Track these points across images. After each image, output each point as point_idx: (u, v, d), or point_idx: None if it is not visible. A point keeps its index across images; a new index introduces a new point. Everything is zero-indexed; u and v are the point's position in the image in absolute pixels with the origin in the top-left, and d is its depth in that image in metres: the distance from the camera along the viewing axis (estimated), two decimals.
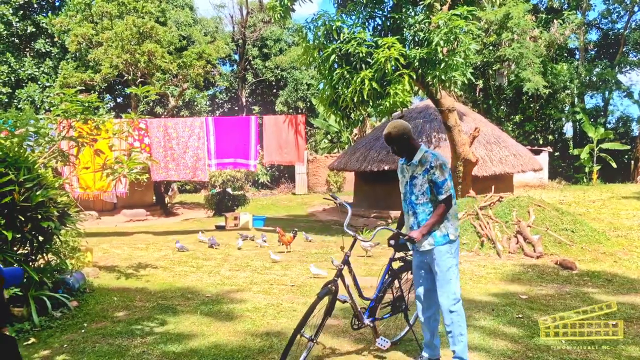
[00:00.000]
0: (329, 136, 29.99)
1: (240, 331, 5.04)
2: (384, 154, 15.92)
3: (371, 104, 11.27)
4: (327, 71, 11.14)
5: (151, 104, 26.33)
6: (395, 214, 15.14)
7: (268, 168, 29.29)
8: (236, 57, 33.12)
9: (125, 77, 18.66)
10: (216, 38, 26.84)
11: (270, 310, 5.79)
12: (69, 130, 6.81)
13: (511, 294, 6.37)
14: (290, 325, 4.96)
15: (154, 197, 20.08)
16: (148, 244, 10.74)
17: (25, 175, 5.01)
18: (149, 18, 18.79)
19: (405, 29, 11.17)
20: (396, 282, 4.48)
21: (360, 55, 10.52)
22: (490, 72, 26.93)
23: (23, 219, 4.91)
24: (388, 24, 11.32)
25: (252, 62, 31.65)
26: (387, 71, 10.25)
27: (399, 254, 4.52)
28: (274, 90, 32.35)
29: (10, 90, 22.31)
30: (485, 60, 25.86)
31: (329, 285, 3.99)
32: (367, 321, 4.26)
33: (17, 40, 23.86)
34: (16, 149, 5.34)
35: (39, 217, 5.07)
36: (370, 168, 16.02)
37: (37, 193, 5.01)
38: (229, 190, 17.17)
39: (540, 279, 7.11)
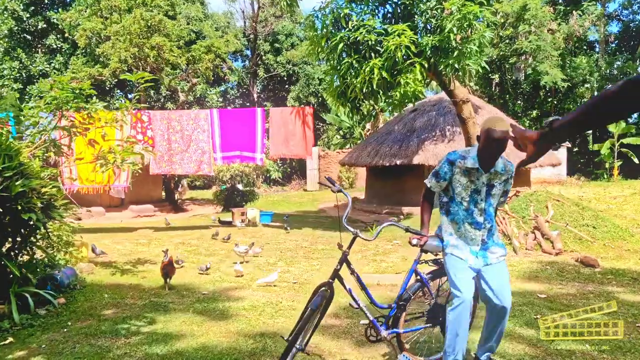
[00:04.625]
0: (341, 132, 29.57)
1: (232, 331, 4.67)
2: (396, 149, 15.47)
3: (381, 94, 10.84)
4: (335, 61, 10.74)
5: (162, 100, 26.19)
6: (407, 209, 14.69)
7: (280, 164, 28.98)
8: (247, 52, 32.85)
9: (134, 72, 18.43)
10: (227, 33, 26.54)
11: (268, 309, 5.41)
12: (61, 119, 6.49)
13: (529, 292, 5.92)
14: (288, 325, 4.57)
15: (163, 193, 19.86)
16: (151, 239, 10.44)
17: (5, 164, 4.68)
18: (157, 12, 18.53)
19: (416, 16, 10.71)
20: (428, 288, 3.80)
21: (370, 43, 10.10)
22: (506, 65, 26.27)
23: (1, 210, 4.59)
24: (399, 10, 10.87)
25: (263, 57, 31.33)
26: (397, 60, 9.81)
27: (425, 256, 3.81)
28: (286, 86, 31.99)
29: (22, 87, 22.27)
30: (501, 53, 25.22)
31: (323, 290, 3.53)
32: (384, 333, 3.61)
33: (28, 37, 23.84)
34: None
35: (19, 208, 4.74)
36: (382, 163, 15.58)
37: (17, 183, 4.68)
38: (239, 186, 16.83)
39: (560, 277, 6.64)
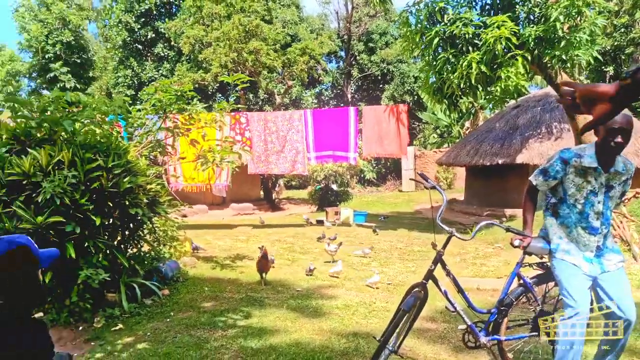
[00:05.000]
0: (438, 131, 28.79)
1: (325, 329, 4.64)
2: (498, 147, 14.73)
3: (480, 89, 10.36)
4: (430, 56, 10.42)
5: (260, 103, 27.06)
6: (510, 211, 13.94)
7: (374, 164, 28.80)
8: (342, 53, 33.01)
9: (239, 87, 19.19)
10: (321, 35, 26.86)
11: (361, 309, 5.33)
12: (165, 120, 6.86)
13: None
14: (381, 326, 4.46)
15: (262, 192, 20.49)
16: (249, 236, 10.76)
17: (114, 162, 5.01)
18: (255, 17, 19.17)
19: (518, 6, 10.10)
20: (533, 294, 3.50)
21: (467, 36, 9.68)
22: (622, 57, 24.13)
23: (111, 205, 4.91)
24: (498, 1, 10.32)
25: (357, 57, 31.33)
26: (497, 53, 9.31)
27: (529, 258, 3.53)
28: (380, 85, 31.75)
29: (134, 93, 24.06)
30: (616, 43, 23.20)
31: (416, 290, 3.38)
32: (484, 340, 3.39)
33: (139, 46, 25.70)
34: (106, 136, 5.40)
35: (127, 203, 5.06)
36: (483, 162, 14.90)
37: (125, 179, 4.99)
38: (333, 186, 16.94)
39: None
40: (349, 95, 31.19)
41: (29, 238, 2.07)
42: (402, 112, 11.01)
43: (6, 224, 4.35)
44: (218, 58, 18.09)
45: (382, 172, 29.94)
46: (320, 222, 12.90)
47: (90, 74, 29.40)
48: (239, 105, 8.53)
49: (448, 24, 9.91)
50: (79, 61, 27.70)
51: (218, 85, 23.09)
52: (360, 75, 31.72)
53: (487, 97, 10.46)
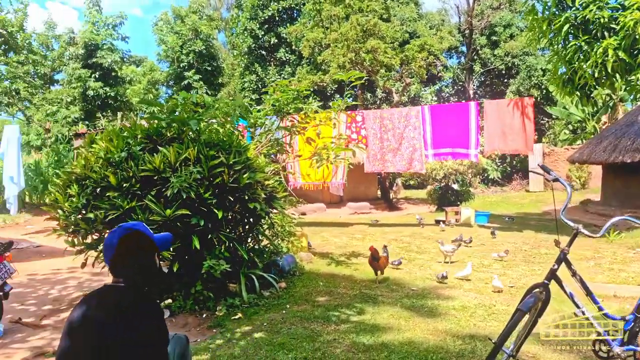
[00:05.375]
0: (569, 126, 26.62)
1: (440, 330, 4.47)
2: None
3: (618, 79, 9.38)
4: (559, 45, 9.66)
5: (378, 102, 27.04)
6: None
7: (498, 163, 27.39)
8: (463, 48, 31.86)
9: (353, 83, 19.38)
10: (441, 30, 26.13)
11: (479, 311, 5.06)
12: (283, 119, 7.08)
13: None
14: (500, 330, 4.18)
15: (379, 192, 20.43)
16: (365, 234, 10.76)
17: (235, 159, 5.26)
18: (372, 16, 19.16)
19: None
20: None
21: (602, 21, 8.82)
22: None
23: (232, 199, 5.16)
24: None
25: (479, 51, 30.03)
26: (638, 37, 8.38)
27: None
28: (504, 80, 30.14)
29: (258, 97, 25.27)
30: None
31: (537, 291, 3.10)
32: (618, 350, 3.05)
33: (263, 52, 26.94)
34: (228, 135, 5.69)
35: (246, 197, 5.28)
36: (622, 159, 13.48)
37: (245, 175, 5.21)
38: (454, 186, 16.36)
39: None
40: (471, 92, 29.99)
41: (145, 225, 2.23)
42: (528, 106, 10.31)
43: (139, 216, 4.75)
44: (336, 59, 18.36)
45: (507, 171, 28.39)
46: (438, 222, 12.54)
47: (220, 81, 31.42)
48: (354, 102, 8.53)
49: (580, 9, 9.12)
50: (209, 69, 29.70)
51: (336, 86, 23.44)
52: (482, 70, 30.39)
53: (627, 87, 9.45)
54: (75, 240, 5.28)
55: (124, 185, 4.96)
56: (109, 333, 1.94)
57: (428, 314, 5.00)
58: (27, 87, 26.88)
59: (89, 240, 5.23)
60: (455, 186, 16.08)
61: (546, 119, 28.41)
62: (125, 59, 29.66)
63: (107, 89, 25.32)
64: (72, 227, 5.21)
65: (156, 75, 32.26)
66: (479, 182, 26.74)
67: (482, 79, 31.87)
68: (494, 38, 29.57)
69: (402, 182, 22.63)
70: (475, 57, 30.50)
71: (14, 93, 26.33)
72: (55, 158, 17.75)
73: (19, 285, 6.44)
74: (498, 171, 27.47)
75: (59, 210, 5.29)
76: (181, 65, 29.11)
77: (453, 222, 12.30)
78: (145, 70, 32.71)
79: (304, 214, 14.05)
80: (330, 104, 7.38)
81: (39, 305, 5.69)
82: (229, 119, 5.82)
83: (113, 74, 25.86)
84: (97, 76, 25.15)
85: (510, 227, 11.98)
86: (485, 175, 27.42)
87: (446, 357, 3.80)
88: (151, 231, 2.24)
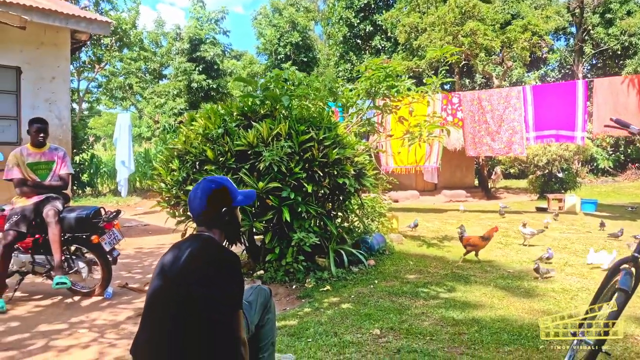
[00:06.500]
0: None
1: (537, 309, 4.23)
2: None
3: None
4: None
5: (476, 88, 26.00)
6: None
7: (610, 151, 25.31)
8: (572, 29, 29.69)
9: (447, 60, 18.79)
10: (547, 10, 24.52)
11: (582, 294, 4.73)
12: (375, 98, 7.02)
13: None
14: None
15: (476, 180, 19.72)
16: (460, 219, 10.43)
17: (325, 134, 5.32)
18: None
19: None
20: None
21: None
22: None
23: (321, 174, 5.21)
24: None
25: (591, 31, 27.81)
26: None
27: None
28: (619, 61, 27.70)
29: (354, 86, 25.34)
30: None
31: (625, 267, 2.70)
32: None
33: (358, 41, 26.90)
34: (318, 112, 5.75)
35: (335, 173, 5.32)
36: None
37: (334, 151, 5.25)
38: (559, 174, 15.35)
39: None
40: (580, 75, 27.90)
41: (227, 178, 2.33)
42: None
43: None
44: (433, 44, 17.88)
45: (621, 160, 26.17)
46: (540, 210, 11.87)
47: (315, 71, 31.87)
48: (449, 79, 8.26)
49: None
50: (305, 60, 30.20)
51: (433, 72, 22.86)
52: (594, 51, 28.14)
53: None
54: (176, 212, 5.62)
55: (220, 159, 5.20)
56: (192, 276, 2.04)
57: (524, 294, 4.76)
58: (138, 82, 28.98)
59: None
60: (560, 174, 15.09)
61: None
62: (226, 53, 30.94)
63: (210, 81, 26.58)
64: (174, 199, 5.55)
65: (255, 68, 33.35)
66: (586, 172, 24.89)
67: (594, 62, 29.56)
68: (608, 16, 27.24)
69: (502, 170, 21.58)
70: (585, 37, 28.31)
71: (127, 88, 28.46)
72: (163, 146, 19.01)
73: (126, 256, 6.98)
74: (609, 160, 25.40)
75: (162, 184, 5.66)
76: (278, 57, 29.85)
77: (556, 211, 11.57)
78: (245, 64, 33.92)
79: (396, 201, 13.89)
80: (425, 80, 7.20)
81: (143, 273, 6.13)
82: (326, 106, 5.87)
83: (215, 66, 27.07)
84: (200, 69, 26.46)
85: (622, 215, 11.05)
86: (594, 165, 25.48)
87: None
88: (235, 185, 2.33)
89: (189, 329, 2.03)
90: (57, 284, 4.50)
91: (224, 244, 2.24)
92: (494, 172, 20.56)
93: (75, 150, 13.73)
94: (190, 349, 2.01)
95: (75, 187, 14.94)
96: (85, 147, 16.11)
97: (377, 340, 3.51)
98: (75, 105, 24.63)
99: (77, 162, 15.05)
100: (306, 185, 5.04)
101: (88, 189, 16.88)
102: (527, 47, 18.27)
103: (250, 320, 2.30)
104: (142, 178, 18.38)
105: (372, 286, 5.07)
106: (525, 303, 4.43)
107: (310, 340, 3.52)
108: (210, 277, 2.06)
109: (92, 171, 17.32)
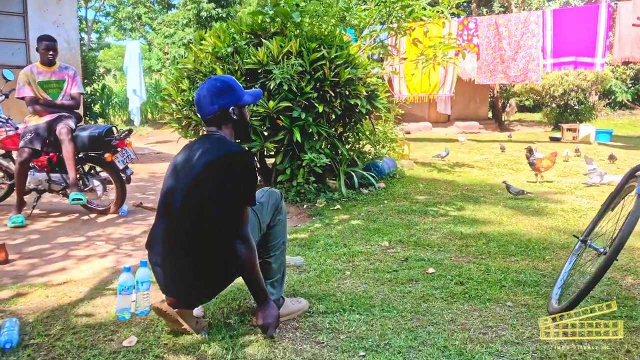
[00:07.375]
0: None
1: (545, 226, 4.28)
2: None
3: None
4: None
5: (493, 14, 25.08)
6: None
7: (629, 84, 24.61)
8: None
9: None
10: None
11: (591, 214, 4.73)
12: (389, 18, 6.81)
13: None
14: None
15: (489, 112, 19.44)
16: (472, 148, 10.40)
17: (337, 53, 5.21)
18: None
19: None
20: None
21: None
22: None
23: (332, 94, 5.15)
24: None
25: None
26: None
27: None
28: None
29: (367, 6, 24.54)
30: None
31: None
32: None
33: None
34: (330, 30, 5.61)
35: (347, 93, 5.25)
36: None
37: (346, 70, 5.16)
38: (576, 106, 15.05)
39: None
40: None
41: (233, 77, 2.32)
42: None
43: None
44: None
45: None
46: (553, 140, 11.75)
47: None
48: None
49: None
50: None
51: None
52: None
53: None
54: (187, 133, 5.64)
55: None
56: (204, 174, 2.08)
57: (533, 213, 4.80)
58: (147, 11, 28.31)
59: (200, 133, 5.56)
60: (576, 106, 14.80)
61: None
62: None
63: (219, 9, 25.88)
64: (185, 120, 5.55)
65: None
66: (603, 106, 24.35)
67: None
68: None
69: (517, 103, 21.20)
70: None
71: (136, 18, 27.85)
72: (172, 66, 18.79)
73: (140, 180, 7.08)
74: (628, 93, 24.72)
75: (172, 105, 5.64)
76: None
77: (578, 147, 11.42)
78: None
79: (408, 132, 13.78)
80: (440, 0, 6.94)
81: (157, 195, 6.22)
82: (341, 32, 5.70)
83: None
84: None
85: (637, 146, 10.92)
86: (612, 98, 24.87)
87: (549, 247, 3.65)
88: (240, 85, 2.31)
89: (198, 223, 2.10)
90: (74, 199, 4.61)
91: (232, 142, 2.26)
92: (508, 104, 20.22)
93: (86, 81, 13.66)
94: (202, 241, 2.08)
95: (87, 118, 15.00)
96: (95, 77, 16.00)
97: (385, 251, 3.59)
98: (84, 35, 24.25)
99: (89, 92, 15.01)
100: (317, 105, 4.99)
101: (100, 120, 16.93)
102: None
103: (262, 220, 2.35)
104: (153, 109, 18.35)
105: (381, 205, 5.13)
106: (534, 220, 4.47)
107: (320, 250, 3.61)
108: (223, 174, 2.10)
109: (103, 102, 17.29)
